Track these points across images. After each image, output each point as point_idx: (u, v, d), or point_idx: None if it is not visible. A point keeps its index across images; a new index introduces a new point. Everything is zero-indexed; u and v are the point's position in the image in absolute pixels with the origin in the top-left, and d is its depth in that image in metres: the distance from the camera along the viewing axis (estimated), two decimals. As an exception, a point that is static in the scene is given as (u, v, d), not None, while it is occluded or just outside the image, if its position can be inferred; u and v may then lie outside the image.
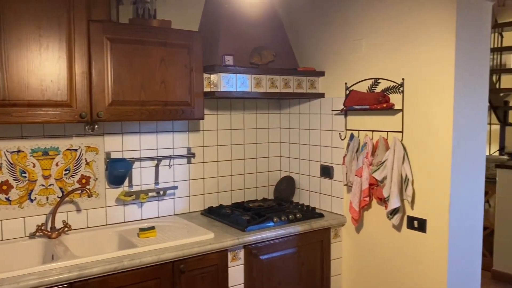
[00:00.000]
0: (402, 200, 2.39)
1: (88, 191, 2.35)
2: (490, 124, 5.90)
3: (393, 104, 2.43)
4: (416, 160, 2.35)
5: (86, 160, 2.47)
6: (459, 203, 2.27)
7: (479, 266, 2.48)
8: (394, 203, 2.34)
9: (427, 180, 2.30)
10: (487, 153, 5.82)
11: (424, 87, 2.29)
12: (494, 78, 5.51)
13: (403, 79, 2.39)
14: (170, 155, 2.74)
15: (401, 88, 2.40)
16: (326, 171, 2.89)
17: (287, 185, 3.15)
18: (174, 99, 2.40)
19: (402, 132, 2.41)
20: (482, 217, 2.47)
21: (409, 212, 2.39)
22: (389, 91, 2.46)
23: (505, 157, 4.30)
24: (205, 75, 2.52)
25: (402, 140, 2.40)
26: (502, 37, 5.38)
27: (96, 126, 2.35)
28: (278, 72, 2.70)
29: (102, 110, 2.18)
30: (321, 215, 2.76)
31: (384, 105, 2.42)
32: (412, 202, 2.37)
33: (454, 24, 2.14)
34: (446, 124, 2.20)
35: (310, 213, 2.76)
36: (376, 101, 2.44)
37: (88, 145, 2.48)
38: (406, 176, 2.34)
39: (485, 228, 4.03)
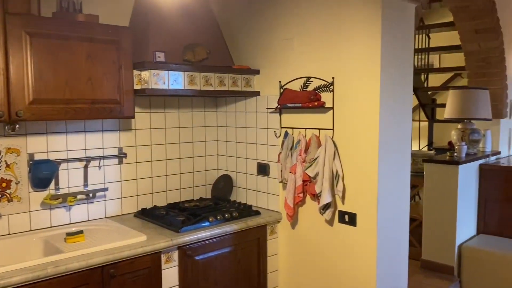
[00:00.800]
0: (333, 196, 2.45)
1: (8, 195, 2.19)
2: (419, 121, 6.24)
3: (324, 102, 2.48)
4: (346, 157, 2.42)
5: (6, 163, 2.31)
6: (386, 196, 2.36)
7: (406, 256, 2.61)
8: (325, 198, 2.40)
9: (357, 175, 2.38)
10: (417, 149, 6.14)
11: (353, 86, 2.36)
12: (422, 77, 5.82)
13: (333, 78, 2.45)
14: (99, 156, 2.63)
15: (332, 87, 2.46)
16: (263, 169, 2.91)
17: (224, 183, 3.13)
18: (102, 96, 2.30)
19: (333, 129, 2.47)
20: (408, 209, 2.60)
21: (340, 206, 2.46)
22: (321, 89, 2.52)
23: (433, 152, 4.56)
24: (136, 72, 2.44)
25: (333, 137, 2.46)
26: (429, 38, 5.69)
27: (17, 126, 2.20)
28: (212, 69, 2.68)
29: (22, 109, 2.05)
30: (257, 213, 2.77)
31: (316, 103, 2.46)
32: (343, 197, 2.44)
33: (379, 24, 2.22)
34: (373, 122, 2.28)
35: (247, 211, 2.76)
36: (308, 99, 2.48)
37: (9, 146, 2.32)
38: (337, 172, 2.40)
39: (415, 220, 4.26)
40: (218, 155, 3.24)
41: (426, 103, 5.72)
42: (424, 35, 5.60)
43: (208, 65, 2.69)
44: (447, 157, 3.85)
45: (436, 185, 3.80)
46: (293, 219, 2.69)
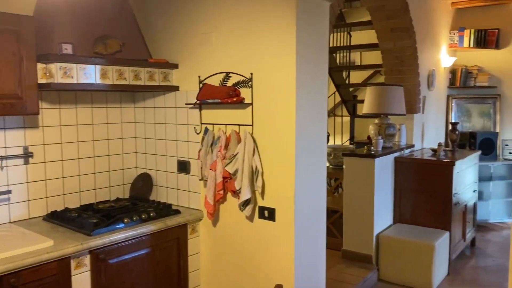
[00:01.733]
0: (253, 192, 2.44)
1: None
2: (342, 116, 6.46)
3: (243, 98, 2.46)
4: (266, 152, 2.42)
5: None
6: (304, 191, 2.40)
7: (324, 248, 2.67)
8: (245, 194, 2.38)
9: (276, 171, 2.38)
10: (340, 143, 6.37)
11: (270, 82, 2.36)
12: (344, 74, 6.04)
13: (251, 73, 2.43)
14: (1, 156, 2.40)
15: (250, 83, 2.44)
16: (183, 166, 2.83)
17: (143, 183, 3.01)
18: (0, 91, 2.10)
19: (252, 125, 2.46)
20: (325, 202, 2.66)
21: (260, 202, 2.46)
22: (240, 85, 2.49)
23: (352, 146, 4.74)
24: (40, 65, 2.25)
25: (252, 133, 2.45)
26: (350, 36, 5.91)
27: None
28: (126, 63, 2.55)
29: None
30: (177, 212, 2.69)
31: (235, 99, 2.43)
32: (263, 193, 2.44)
33: (294, 21, 2.23)
34: (290, 118, 2.30)
35: (166, 210, 2.68)
36: (226, 95, 2.45)
37: None
38: (256, 168, 2.39)
39: (337, 211, 4.41)
40: (136, 152, 3.11)
41: (348, 99, 5.94)
42: (345, 33, 5.80)
43: (122, 58, 2.55)
44: (365, 150, 4.01)
45: (354, 178, 3.95)
46: (214, 217, 2.65)
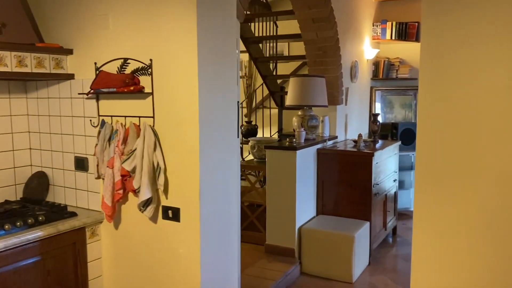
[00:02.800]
0: (156, 190, 2.23)
1: None
2: (270, 108, 6.38)
3: (143, 87, 2.24)
4: (169, 147, 2.21)
5: None
6: (211, 188, 2.23)
7: (237, 247, 2.53)
8: (144, 194, 2.17)
9: (180, 167, 2.19)
10: (268, 135, 6.29)
11: (172, 69, 2.16)
12: (271, 65, 5.94)
13: (151, 60, 2.21)
14: None
15: (150, 70, 2.22)
16: (81, 164, 2.55)
17: (38, 182, 2.69)
18: None
19: (153, 117, 2.24)
20: (238, 199, 2.52)
21: (164, 201, 2.26)
22: (139, 72, 2.26)
23: (276, 138, 4.66)
24: None
25: (154, 125, 2.23)
26: (276, 26, 5.82)
27: None
28: (7, 47, 2.22)
29: None
30: (73, 214, 2.42)
31: (132, 88, 2.20)
32: (166, 191, 2.24)
33: (194, 4, 2.04)
34: (193, 108, 2.11)
35: (59, 213, 2.39)
36: (123, 83, 2.21)
37: None
38: (158, 164, 2.19)
39: (260, 205, 4.30)
40: (30, 149, 2.78)
41: (276, 91, 5.85)
42: (271, 22, 5.69)
43: (2, 42, 2.23)
44: (287, 143, 3.93)
45: (277, 171, 3.86)
46: (114, 219, 2.41)
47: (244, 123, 5.91)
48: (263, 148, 4.31)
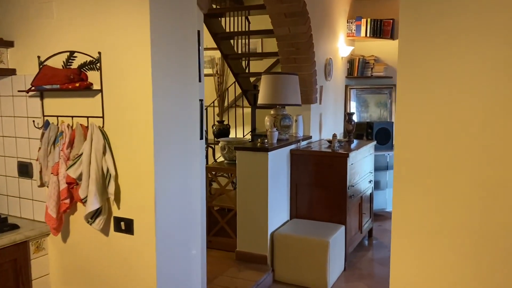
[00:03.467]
0: (107, 200, 1.99)
1: None
2: (242, 107, 6.17)
3: (91, 84, 1.99)
4: (121, 150, 1.97)
5: None
6: (169, 196, 2.00)
7: (201, 258, 2.31)
8: (93, 204, 1.92)
9: (133, 173, 1.96)
10: (241, 136, 6.08)
11: (123, 62, 1.92)
12: (243, 63, 5.72)
13: (99, 53, 1.97)
14: None
15: (98, 64, 1.97)
16: (24, 169, 2.28)
17: (-22, 190, 2.41)
18: None
19: (103, 117, 2.00)
20: (203, 206, 2.30)
21: (116, 212, 2.02)
22: (87, 67, 2.01)
23: (248, 139, 4.45)
24: None
25: (103, 126, 1.99)
26: (248, 21, 5.60)
27: None
28: None
29: None
30: (14, 227, 2.15)
31: (77, 85, 1.95)
32: (117, 201, 2.00)
33: (147, -12, 1.82)
34: (146, 107, 1.88)
35: (-2, 226, 2.13)
36: (67, 79, 1.96)
37: None
38: (108, 170, 1.94)
39: (231, 210, 4.08)
40: (-31, 153, 2.49)
41: (248, 89, 5.64)
42: (243, 17, 5.47)
43: None
44: (258, 143, 3.72)
45: (247, 173, 3.65)
46: (62, 231, 2.16)
47: (216, 123, 5.69)
48: (234, 149, 4.09)
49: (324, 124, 4.89)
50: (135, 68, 1.88)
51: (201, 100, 2.45)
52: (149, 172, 1.90)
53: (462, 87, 1.58)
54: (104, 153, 1.95)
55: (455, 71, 1.59)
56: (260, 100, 4.00)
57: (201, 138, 2.45)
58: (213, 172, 4.15)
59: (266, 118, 4.08)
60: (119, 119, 1.96)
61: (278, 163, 3.78)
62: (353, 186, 3.97)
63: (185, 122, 2.10)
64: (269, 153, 3.57)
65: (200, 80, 2.44)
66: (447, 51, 1.58)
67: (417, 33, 1.61)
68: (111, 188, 1.94)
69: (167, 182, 1.98)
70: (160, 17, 1.88)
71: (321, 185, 3.90)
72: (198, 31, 2.44)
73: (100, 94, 1.98)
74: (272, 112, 4.07)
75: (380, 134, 5.46)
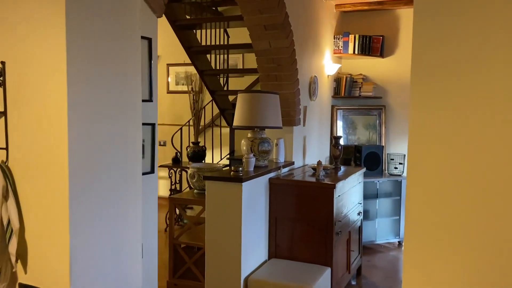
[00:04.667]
0: (7, 261, 1.47)
1: None
2: (220, 127, 5.69)
3: (-9, 104, 1.49)
4: (29, 195, 1.46)
5: None
6: (92, 253, 1.49)
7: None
8: (-17, 270, 1.40)
9: (44, 224, 1.44)
10: (218, 159, 5.58)
11: (34, 77, 1.42)
12: (222, 79, 5.26)
13: (3, 63, 1.47)
14: None
15: (1, 78, 1.47)
16: None
17: None
18: None
19: (6, 148, 1.49)
20: (140, 260, 1.78)
21: (22, 278, 1.49)
22: (-12, 82, 1.51)
23: (222, 164, 3.96)
24: None
25: (6, 161, 1.48)
26: (228, 35, 5.15)
27: None
28: None
29: None
30: None
31: (-31, 105, 1.45)
32: (24, 263, 1.47)
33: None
34: (61, 136, 1.38)
35: None
36: (-45, 97, 1.45)
37: None
38: (9, 222, 1.43)
39: (200, 248, 3.56)
40: None
41: (226, 108, 5.17)
42: (222, 30, 5.03)
43: None
44: (232, 172, 3.22)
45: (218, 206, 3.15)
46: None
47: (191, 145, 5.19)
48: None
49: (308, 148, 4.43)
50: (50, 87, 1.39)
51: (151, 124, 1.97)
52: (62, 224, 1.39)
53: (490, 89, 1.13)
54: (5, 198, 1.43)
55: (480, 70, 1.14)
56: (236, 122, 3.52)
57: (152, 171, 1.96)
58: (180, 204, 3.63)
59: (243, 142, 3.59)
60: (28, 151, 1.45)
61: (255, 194, 3.29)
62: (341, 221, 3.49)
63: (121, 153, 1.60)
64: (243, 183, 3.07)
65: (151, 99, 1.96)
66: (468, 45, 1.13)
67: (434, 23, 1.16)
68: (13, 247, 1.42)
69: (89, 236, 1.47)
70: (82, 20, 1.40)
71: (304, 220, 3.41)
72: (150, 39, 1.97)
73: (3, 117, 1.48)
74: (249, 135, 3.59)
75: (369, 159, 5.02)
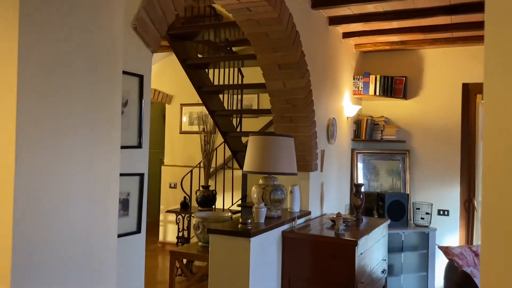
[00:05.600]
0: None
1: None
2: (232, 169, 5.39)
3: None
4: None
5: None
6: None
7: None
8: None
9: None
10: (230, 203, 5.24)
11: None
12: (235, 120, 5.00)
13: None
14: None
15: None
16: None
17: None
18: None
19: None
20: None
21: None
22: None
23: (229, 214, 3.61)
24: None
25: None
26: (242, 76, 4.94)
27: None
28: None
29: None
30: None
31: None
32: None
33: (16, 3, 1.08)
34: (6, 175, 1.08)
35: None
36: None
37: None
38: None
39: (204, 308, 3.16)
40: None
41: (238, 150, 4.88)
42: (236, 70, 4.82)
43: None
44: (239, 224, 2.87)
45: (223, 264, 2.78)
46: None
47: (200, 189, 4.87)
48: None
49: (326, 195, 4.06)
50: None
51: (140, 175, 1.68)
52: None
53: None
54: None
55: None
56: (247, 167, 3.21)
57: (138, 231, 1.65)
58: (181, 259, 3.27)
59: (253, 188, 3.26)
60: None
61: (266, 250, 2.92)
62: (363, 282, 3.07)
63: (92, 217, 1.28)
64: (252, 239, 2.72)
65: (140, 145, 1.68)
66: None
67: None
68: None
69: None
70: (40, 47, 1.13)
71: (321, 281, 3.00)
72: (141, 76, 1.71)
73: None
74: (260, 181, 3.26)
75: (393, 208, 4.61)
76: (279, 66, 3.39)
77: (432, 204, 4.73)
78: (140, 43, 1.69)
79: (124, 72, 1.56)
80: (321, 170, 3.90)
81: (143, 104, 1.70)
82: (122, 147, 1.53)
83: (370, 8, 3.72)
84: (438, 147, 4.89)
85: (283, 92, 3.50)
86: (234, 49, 5.23)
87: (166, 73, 6.46)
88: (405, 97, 4.99)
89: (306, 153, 3.61)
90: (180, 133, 6.44)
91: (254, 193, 3.24)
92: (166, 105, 6.58)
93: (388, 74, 4.94)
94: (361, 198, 3.77)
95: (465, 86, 4.85)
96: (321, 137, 3.83)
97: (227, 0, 2.85)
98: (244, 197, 5.05)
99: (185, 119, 6.46)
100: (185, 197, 4.96)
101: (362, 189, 3.91)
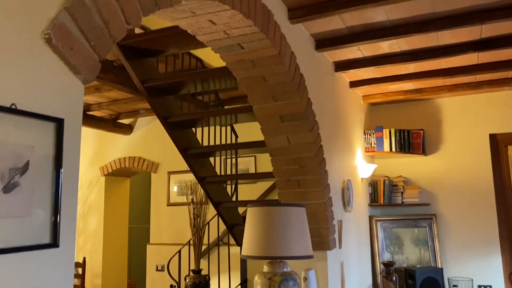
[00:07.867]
0: None
1: None
2: (228, 245, 4.54)
3: None
4: None
5: None
6: None
7: None
8: None
9: None
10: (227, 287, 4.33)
11: None
12: (229, 188, 4.24)
13: None
14: None
15: None
16: None
17: None
18: None
19: None
20: None
21: None
22: None
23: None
24: None
25: None
26: (236, 135, 4.26)
27: None
28: None
29: None
30: None
31: None
32: None
33: None
34: None
35: None
36: None
37: None
38: None
39: None
40: None
41: (235, 224, 4.08)
42: (227, 127, 4.15)
43: None
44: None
45: None
46: None
47: (190, 274, 4.00)
48: None
49: (347, 277, 3.23)
50: None
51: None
52: None
53: None
54: None
55: None
56: (246, 250, 2.41)
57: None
58: None
59: (256, 279, 2.44)
60: None
61: None
62: None
63: None
64: None
65: (56, 243, 0.93)
66: None
67: None
68: None
69: None
70: None
71: None
72: (60, 122, 1.04)
73: None
74: (265, 268, 2.45)
75: (426, 287, 3.75)
76: (281, 117, 2.72)
77: (472, 280, 3.89)
78: (60, 66, 1.00)
79: (23, 113, 0.86)
80: (340, 247, 3.10)
81: (61, 169, 0.97)
82: (11, 250, 0.79)
83: (384, 48, 3.14)
84: (468, 209, 4.14)
85: (288, 149, 2.80)
86: (226, 107, 4.61)
87: (150, 138, 5.81)
88: (424, 153, 4.32)
89: (321, 226, 2.84)
90: (167, 205, 5.65)
91: (257, 284, 2.41)
92: (152, 174, 5.85)
93: (403, 128, 4.30)
94: (394, 281, 2.94)
95: (493, 137, 4.20)
96: (336, 205, 3.08)
97: (212, 35, 2.22)
98: (244, 282, 4.16)
99: (176, 188, 5.69)
100: (171, 286, 4.07)
101: (392, 269, 3.10)
